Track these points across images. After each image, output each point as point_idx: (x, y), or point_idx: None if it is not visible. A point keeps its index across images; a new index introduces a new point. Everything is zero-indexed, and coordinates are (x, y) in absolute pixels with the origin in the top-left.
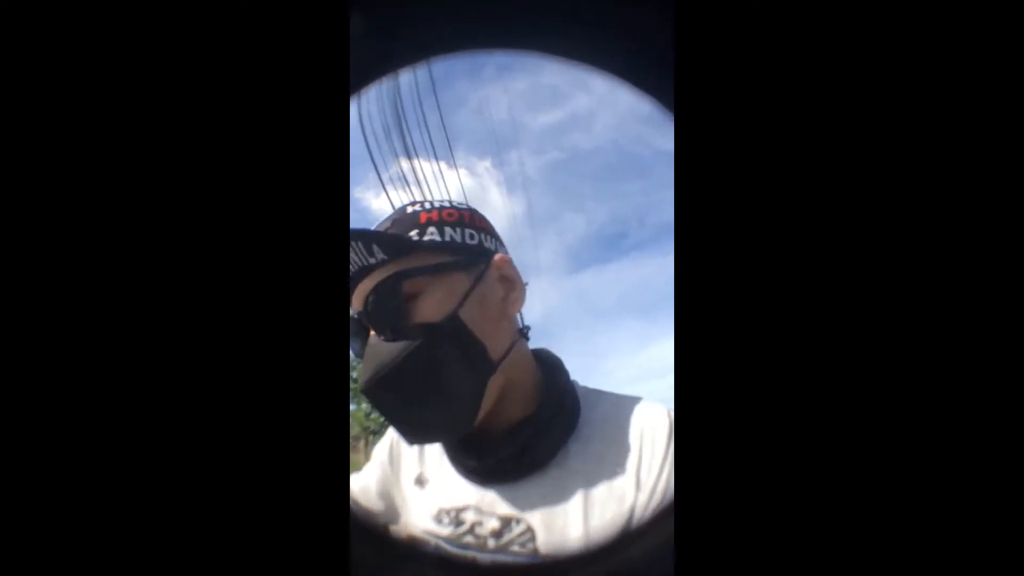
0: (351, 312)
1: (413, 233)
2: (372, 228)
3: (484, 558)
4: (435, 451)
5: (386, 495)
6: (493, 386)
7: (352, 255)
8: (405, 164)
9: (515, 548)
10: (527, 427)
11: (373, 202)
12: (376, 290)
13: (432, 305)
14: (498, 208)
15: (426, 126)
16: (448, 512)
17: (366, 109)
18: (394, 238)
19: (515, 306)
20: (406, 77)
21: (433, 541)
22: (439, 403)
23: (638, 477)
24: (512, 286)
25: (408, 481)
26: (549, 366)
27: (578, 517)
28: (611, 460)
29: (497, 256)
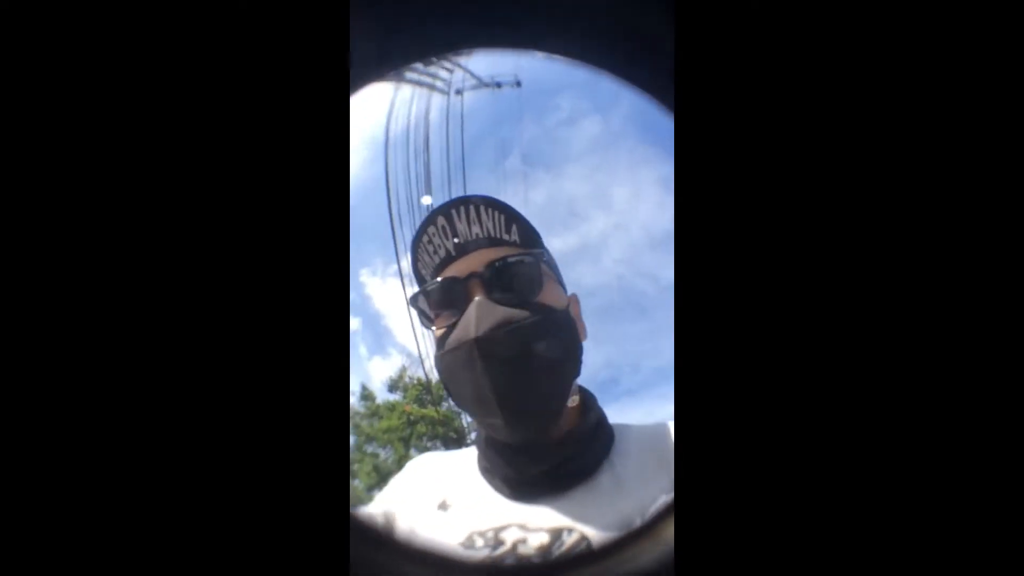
0: (463, 274)
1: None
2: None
3: (549, 564)
4: (459, 474)
5: (395, 522)
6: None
7: (485, 221)
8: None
9: (572, 557)
10: (577, 435)
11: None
12: (514, 260)
13: (554, 293)
14: None
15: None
16: (483, 534)
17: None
18: (532, 229)
19: (583, 337)
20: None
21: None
22: (543, 382)
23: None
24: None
25: (422, 511)
26: (585, 392)
27: (629, 521)
28: (652, 469)
29: (572, 294)
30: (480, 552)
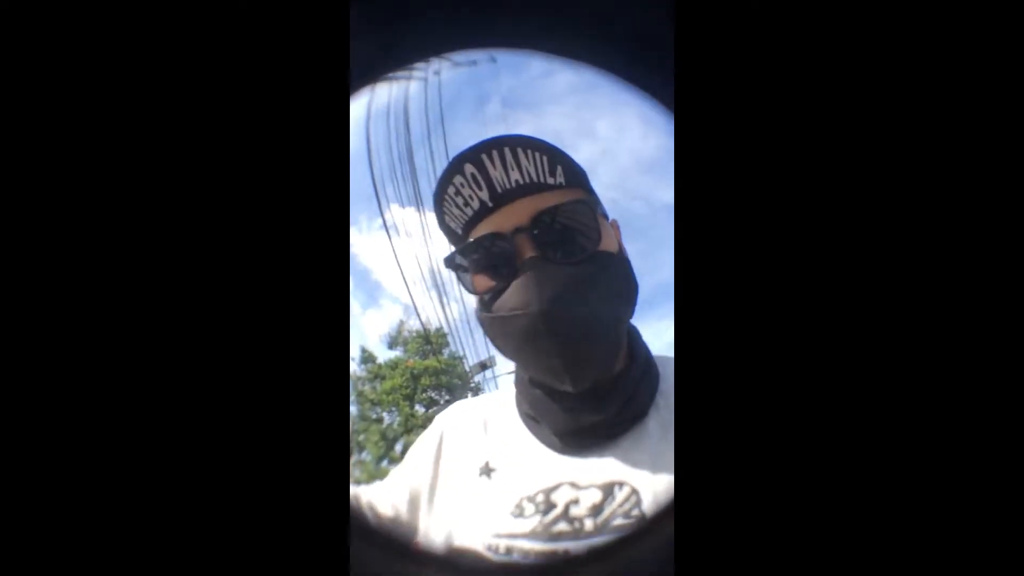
0: (507, 229)
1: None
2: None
3: (577, 546)
4: (498, 428)
5: (412, 501)
6: None
7: (524, 165)
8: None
9: (618, 521)
10: (628, 378)
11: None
12: (567, 209)
13: (609, 237)
14: None
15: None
16: (533, 499)
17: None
18: (578, 168)
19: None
20: (414, 99)
21: (504, 546)
22: (607, 339)
23: None
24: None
25: (465, 475)
26: (630, 326)
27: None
28: None
29: (612, 220)
30: (531, 520)
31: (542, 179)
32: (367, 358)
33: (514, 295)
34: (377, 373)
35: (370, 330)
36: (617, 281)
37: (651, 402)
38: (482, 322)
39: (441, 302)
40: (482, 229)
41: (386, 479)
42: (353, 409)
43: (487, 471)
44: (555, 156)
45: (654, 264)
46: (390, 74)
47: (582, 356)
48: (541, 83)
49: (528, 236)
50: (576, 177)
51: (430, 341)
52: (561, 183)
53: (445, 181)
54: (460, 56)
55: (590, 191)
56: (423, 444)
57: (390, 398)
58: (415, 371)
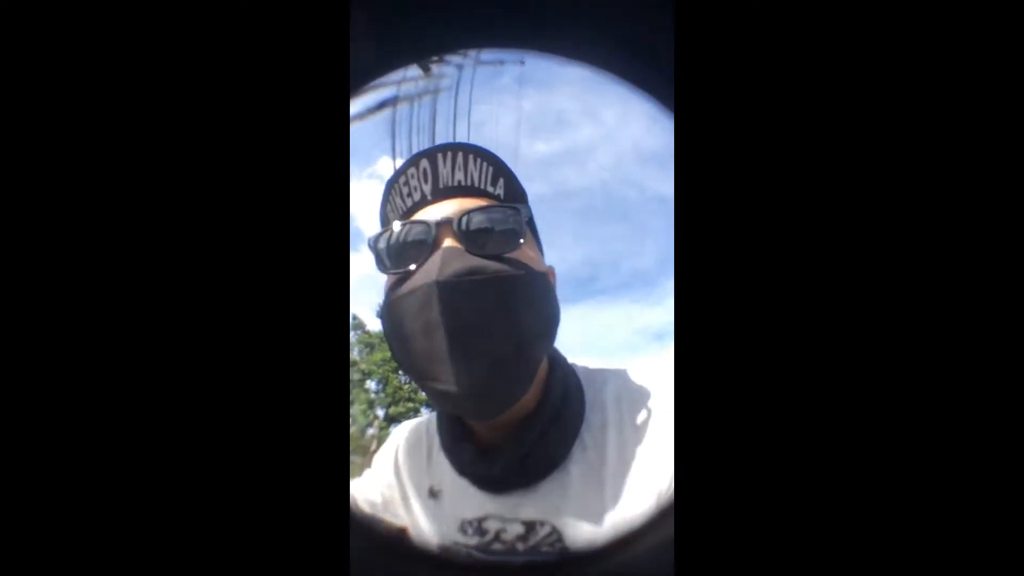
0: (434, 218)
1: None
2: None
3: (516, 560)
4: (443, 460)
5: (392, 508)
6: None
7: (470, 170)
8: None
9: (544, 549)
10: (535, 425)
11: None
12: (495, 210)
13: (533, 254)
14: None
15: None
16: (471, 523)
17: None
18: (520, 188)
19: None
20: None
21: (464, 550)
22: (507, 350)
23: (657, 452)
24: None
25: (420, 494)
26: (553, 354)
27: (602, 510)
28: (629, 442)
29: (550, 267)
30: (473, 538)
31: (482, 185)
32: (357, 325)
33: (418, 274)
34: (367, 342)
35: (359, 291)
36: (533, 295)
37: (570, 446)
38: (382, 313)
39: None
40: (415, 218)
41: (362, 480)
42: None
43: (434, 494)
44: (500, 169)
45: (634, 249)
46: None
47: (475, 353)
48: (557, 67)
49: (451, 228)
50: (515, 194)
51: None
52: (499, 195)
53: (399, 172)
54: (489, 55)
55: (527, 209)
56: (385, 459)
57: (380, 370)
58: None
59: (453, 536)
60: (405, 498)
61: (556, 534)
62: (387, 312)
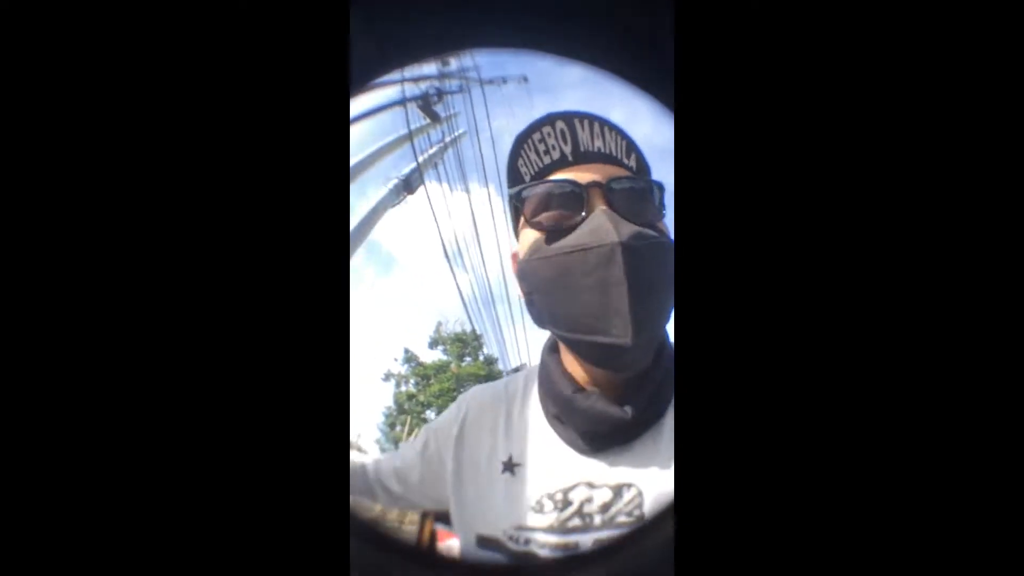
0: (584, 180)
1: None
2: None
3: (585, 539)
4: (526, 432)
5: (431, 488)
6: None
7: (608, 139)
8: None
9: (622, 519)
10: (652, 378)
11: None
12: (639, 180)
13: (664, 225)
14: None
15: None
16: (552, 496)
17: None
18: (647, 164)
19: None
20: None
21: (523, 537)
22: (665, 309)
23: None
24: None
25: (489, 467)
26: None
27: None
28: None
29: None
30: (549, 516)
31: (620, 156)
32: (410, 358)
33: (588, 232)
34: (422, 374)
35: (409, 334)
36: (671, 262)
37: (669, 403)
38: (538, 263)
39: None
40: (557, 177)
41: (396, 457)
42: (396, 405)
43: (510, 467)
44: (632, 145)
45: None
46: (390, 74)
47: (648, 308)
48: (557, 71)
49: (602, 192)
50: (645, 169)
51: (467, 343)
52: (632, 167)
53: (532, 128)
54: (490, 71)
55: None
56: (445, 428)
57: (438, 401)
58: (460, 376)
59: (521, 518)
60: (459, 473)
61: (639, 498)
62: (545, 266)
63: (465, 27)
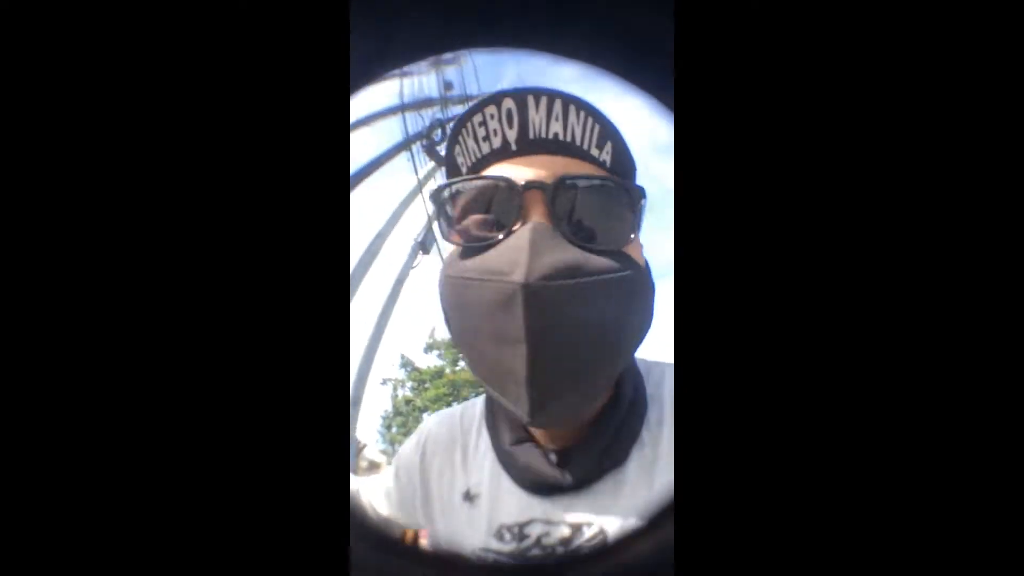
0: (521, 179)
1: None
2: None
3: (551, 563)
4: (482, 463)
5: (407, 510)
6: None
7: (571, 123)
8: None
9: (585, 552)
10: (608, 423)
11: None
12: (603, 185)
13: (638, 247)
14: None
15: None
16: (510, 528)
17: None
18: (630, 158)
19: None
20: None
21: (492, 557)
22: (595, 364)
23: None
24: None
25: (450, 496)
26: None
27: (649, 506)
28: None
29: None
30: (509, 544)
31: (585, 145)
32: (407, 363)
33: (501, 256)
34: (418, 379)
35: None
36: (637, 300)
37: (634, 441)
38: (444, 284)
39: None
40: (493, 172)
41: (378, 480)
42: (394, 409)
43: (469, 498)
44: (609, 131)
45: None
46: (391, 72)
47: (558, 373)
48: (552, 70)
49: (543, 197)
50: (624, 165)
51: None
52: (605, 162)
53: (475, 108)
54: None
55: (641, 189)
56: (408, 457)
57: (435, 406)
58: (456, 382)
59: (485, 542)
60: (428, 500)
61: (602, 535)
62: (450, 290)
63: (464, 26)
